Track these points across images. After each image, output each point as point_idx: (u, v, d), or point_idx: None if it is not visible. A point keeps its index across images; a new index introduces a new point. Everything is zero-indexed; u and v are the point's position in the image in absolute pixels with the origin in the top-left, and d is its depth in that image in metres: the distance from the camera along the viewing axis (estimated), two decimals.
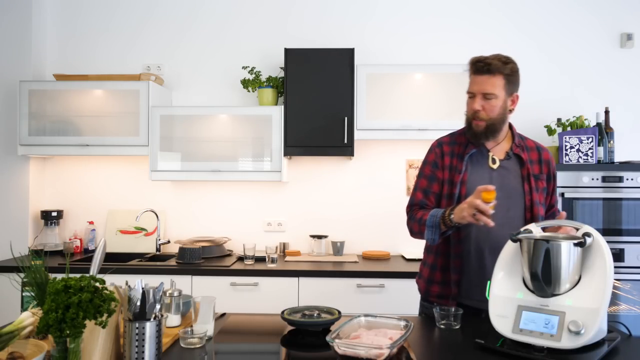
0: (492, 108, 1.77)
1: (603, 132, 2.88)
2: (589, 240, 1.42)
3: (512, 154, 1.83)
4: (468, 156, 1.81)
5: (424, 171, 1.89)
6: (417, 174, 1.92)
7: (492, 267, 1.61)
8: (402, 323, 1.50)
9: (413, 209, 1.86)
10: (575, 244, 1.41)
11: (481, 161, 1.82)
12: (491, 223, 1.56)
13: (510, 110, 1.83)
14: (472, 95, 1.80)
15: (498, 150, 1.83)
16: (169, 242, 3.29)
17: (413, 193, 1.89)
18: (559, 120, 3.05)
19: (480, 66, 1.76)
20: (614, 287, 2.63)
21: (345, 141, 3.01)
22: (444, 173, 1.83)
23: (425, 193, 1.85)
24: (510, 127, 1.89)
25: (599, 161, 2.83)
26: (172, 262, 2.94)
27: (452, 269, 1.78)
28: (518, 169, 1.81)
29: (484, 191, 1.56)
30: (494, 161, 1.81)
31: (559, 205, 2.71)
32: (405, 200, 3.33)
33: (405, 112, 3.04)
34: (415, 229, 1.81)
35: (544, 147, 1.91)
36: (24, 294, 1.60)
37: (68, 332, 1.10)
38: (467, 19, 3.38)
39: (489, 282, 1.55)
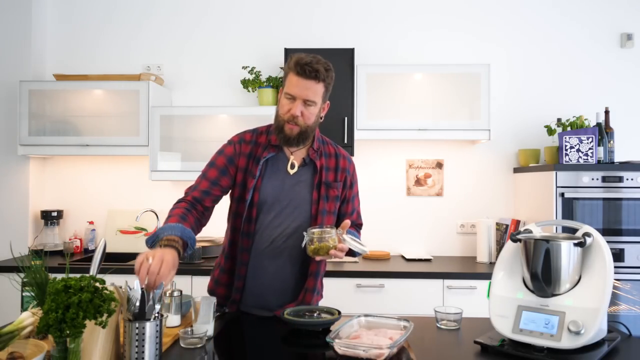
0: (310, 115, 1.68)
1: (603, 132, 2.88)
2: (589, 240, 1.42)
3: (309, 160, 1.76)
4: (264, 160, 1.72)
5: (217, 161, 1.73)
6: (210, 160, 1.75)
7: (273, 278, 1.72)
8: (402, 323, 1.50)
9: (187, 196, 1.71)
10: (575, 244, 1.41)
11: (278, 166, 1.73)
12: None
13: (321, 118, 1.76)
14: (292, 98, 1.66)
15: (297, 155, 1.76)
16: None
17: (199, 179, 1.73)
18: (559, 120, 3.05)
19: (309, 70, 1.62)
20: (614, 287, 2.63)
21: (345, 141, 3.01)
22: (237, 173, 1.73)
23: (213, 183, 1.71)
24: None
25: (599, 161, 2.83)
26: None
27: (236, 275, 1.76)
28: (311, 176, 1.75)
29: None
30: (292, 166, 1.73)
31: (560, 206, 2.71)
32: (406, 200, 3.36)
33: (405, 112, 3.04)
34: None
35: (345, 154, 1.84)
36: (24, 294, 1.60)
37: (68, 332, 1.10)
38: (466, 19, 3.38)
39: (489, 282, 1.55)
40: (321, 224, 1.70)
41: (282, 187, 1.73)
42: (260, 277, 1.75)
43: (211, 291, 1.87)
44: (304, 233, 1.62)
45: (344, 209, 1.85)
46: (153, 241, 1.53)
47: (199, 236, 3.27)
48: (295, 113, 1.66)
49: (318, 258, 1.62)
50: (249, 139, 1.78)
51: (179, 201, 1.72)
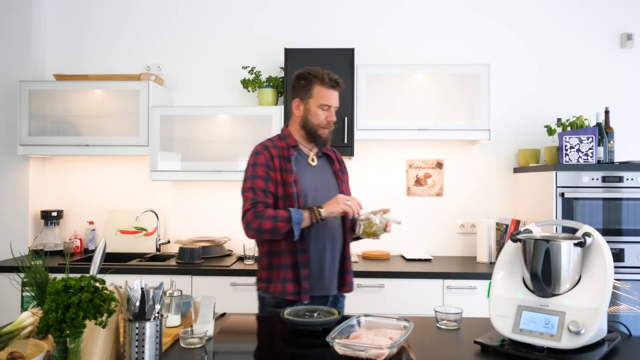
0: (334, 118, 2.04)
1: (603, 132, 2.88)
2: (589, 240, 1.42)
3: (322, 154, 2.09)
4: (294, 157, 1.98)
5: (257, 172, 1.93)
6: (248, 175, 1.94)
7: (330, 254, 1.96)
8: (402, 323, 1.50)
9: (257, 206, 1.88)
10: (575, 244, 1.41)
11: (302, 161, 2.02)
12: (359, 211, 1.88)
13: None
14: (328, 107, 2.00)
15: (313, 151, 2.07)
16: (169, 242, 3.29)
17: (252, 193, 1.90)
18: (559, 120, 3.05)
19: (336, 83, 2.00)
20: (614, 287, 2.63)
21: (345, 141, 3.01)
22: (276, 174, 1.93)
23: (265, 192, 1.90)
24: None
25: (599, 161, 2.83)
26: (172, 262, 2.94)
27: (300, 264, 1.90)
28: (329, 166, 2.10)
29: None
30: (313, 160, 2.05)
31: (560, 206, 2.72)
32: (406, 200, 3.36)
33: (405, 112, 3.04)
34: (267, 226, 1.83)
35: (334, 149, 2.21)
36: (24, 294, 1.60)
37: (68, 332, 1.10)
38: (467, 19, 3.38)
39: (489, 282, 1.55)
40: (364, 212, 1.94)
41: (314, 177, 2.01)
42: (322, 259, 1.95)
43: (282, 292, 1.89)
44: (359, 222, 1.92)
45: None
46: (300, 220, 1.83)
47: (198, 236, 3.28)
48: (334, 119, 2.03)
49: (378, 238, 1.93)
50: (271, 145, 2.01)
51: (255, 211, 1.88)
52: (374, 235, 1.90)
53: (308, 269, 1.91)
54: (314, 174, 2.02)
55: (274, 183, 1.92)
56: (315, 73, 1.99)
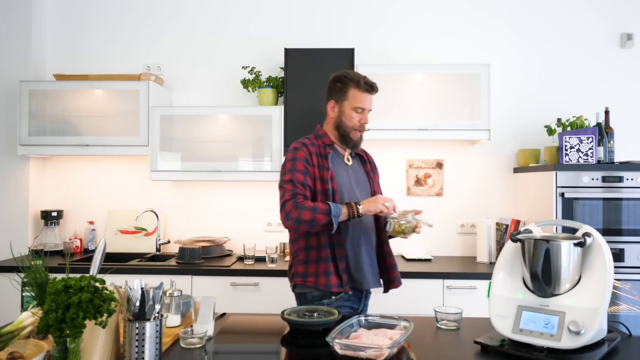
0: (367, 121, 2.10)
1: (603, 132, 2.88)
2: (589, 240, 1.42)
3: (354, 154, 2.18)
4: (330, 155, 2.05)
5: (296, 166, 1.97)
6: (288, 169, 1.98)
7: (365, 250, 2.02)
8: (402, 323, 1.50)
9: (297, 197, 1.92)
10: (575, 244, 1.41)
11: (338, 160, 2.10)
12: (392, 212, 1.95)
13: None
14: (362, 110, 2.05)
15: (347, 151, 2.15)
16: (169, 242, 3.29)
17: (292, 185, 1.94)
18: (559, 120, 3.05)
19: (371, 87, 2.06)
20: (614, 287, 2.63)
21: None
22: (314, 170, 2.00)
23: (303, 185, 1.95)
24: None
25: (599, 161, 2.83)
26: (172, 262, 2.94)
27: (338, 258, 1.96)
28: (361, 166, 2.19)
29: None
30: (348, 159, 2.13)
31: (560, 206, 2.72)
32: (406, 200, 3.36)
33: (405, 112, 3.04)
34: (307, 217, 1.86)
35: (364, 150, 2.28)
36: (24, 294, 1.60)
37: (68, 332, 1.10)
38: (467, 19, 3.38)
39: (489, 282, 1.55)
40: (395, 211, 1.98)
41: (349, 175, 2.08)
42: (358, 254, 2.01)
43: (327, 285, 1.93)
44: (389, 220, 1.95)
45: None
46: (338, 214, 1.88)
47: (198, 236, 3.28)
48: (368, 121, 2.08)
49: (407, 238, 1.99)
50: (309, 143, 2.06)
51: (294, 202, 1.91)
52: (403, 233, 1.95)
53: (345, 262, 1.97)
54: (349, 173, 2.09)
55: (312, 178, 1.98)
56: (351, 76, 2.05)
